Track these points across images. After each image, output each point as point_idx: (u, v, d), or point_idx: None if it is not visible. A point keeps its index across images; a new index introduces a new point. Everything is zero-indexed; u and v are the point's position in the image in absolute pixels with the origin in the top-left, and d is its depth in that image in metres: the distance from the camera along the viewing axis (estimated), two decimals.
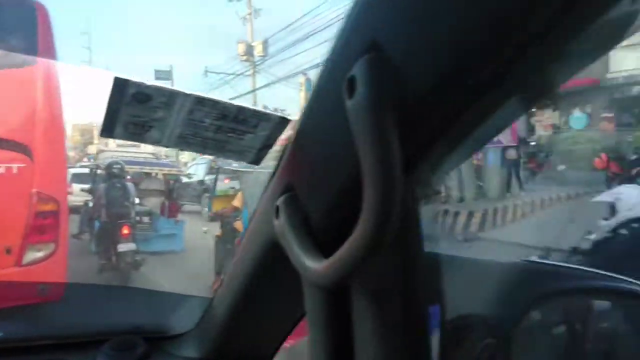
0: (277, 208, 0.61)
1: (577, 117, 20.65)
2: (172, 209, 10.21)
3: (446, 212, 10.80)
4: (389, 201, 0.42)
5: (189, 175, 13.78)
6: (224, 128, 0.63)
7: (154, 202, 9.91)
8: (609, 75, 21.40)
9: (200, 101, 0.62)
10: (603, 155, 12.00)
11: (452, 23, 0.39)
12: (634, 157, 11.45)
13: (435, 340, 0.70)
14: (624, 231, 4.36)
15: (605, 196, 5.40)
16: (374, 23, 0.43)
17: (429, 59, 0.42)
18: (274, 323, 0.91)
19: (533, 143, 15.18)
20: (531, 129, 22.59)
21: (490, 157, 11.54)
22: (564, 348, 1.01)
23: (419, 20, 0.41)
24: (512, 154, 11.99)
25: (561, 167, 13.44)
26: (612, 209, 4.66)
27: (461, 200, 12.03)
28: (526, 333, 0.88)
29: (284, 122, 0.64)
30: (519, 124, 14.45)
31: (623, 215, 4.44)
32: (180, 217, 10.51)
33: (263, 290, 0.82)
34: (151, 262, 7.75)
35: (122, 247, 7.05)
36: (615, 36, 0.45)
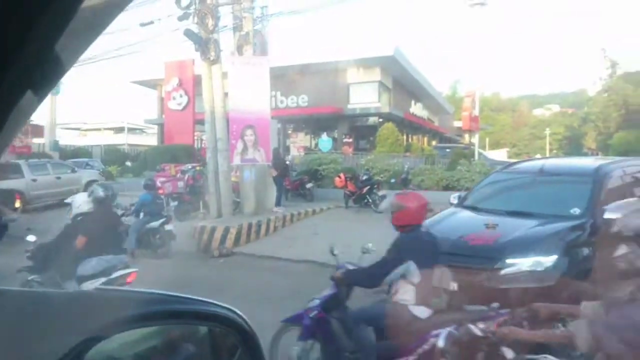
0: None
1: (324, 141, 23.26)
2: None
3: (203, 228, 10.78)
4: None
5: None
6: None
7: None
8: (349, 106, 24.72)
9: None
10: (342, 175, 13.71)
11: None
12: (364, 177, 13.36)
13: None
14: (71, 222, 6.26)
15: (70, 199, 7.78)
16: None
17: None
18: None
19: (288, 162, 16.35)
20: (287, 150, 24.47)
21: (246, 174, 12.00)
22: None
23: None
24: (273, 171, 12.71)
25: (309, 185, 14.80)
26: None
27: (219, 215, 12.19)
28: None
29: None
30: (276, 144, 15.46)
31: (74, 212, 6.34)
32: None
33: None
34: None
35: None
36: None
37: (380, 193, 12.62)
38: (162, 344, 0.97)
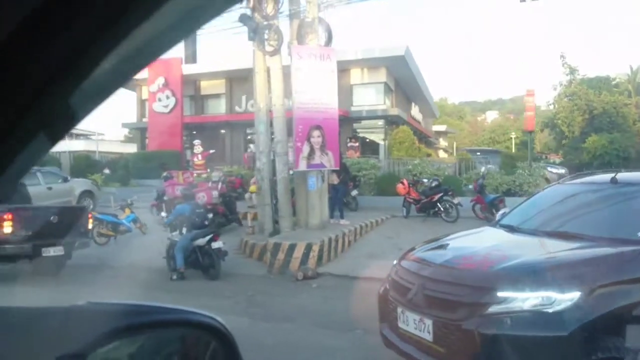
0: None
1: None
2: None
3: (278, 245, 9.15)
4: None
5: None
6: None
7: None
8: (353, 108, 23.50)
9: None
10: (405, 181, 12.41)
11: None
12: (433, 183, 12.10)
13: None
14: None
15: None
16: None
17: None
18: None
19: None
20: None
21: (311, 181, 10.44)
22: None
23: None
24: (334, 178, 11.22)
25: (355, 193, 13.45)
26: None
27: (275, 231, 10.57)
28: None
29: None
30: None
31: None
32: None
33: None
34: None
35: None
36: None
37: (456, 200, 11.43)
38: (147, 354, 1.00)
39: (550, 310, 3.01)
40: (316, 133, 10.24)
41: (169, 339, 1.03)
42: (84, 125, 48.00)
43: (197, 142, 21.27)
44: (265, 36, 10.30)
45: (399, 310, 3.68)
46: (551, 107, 56.74)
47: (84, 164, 26.73)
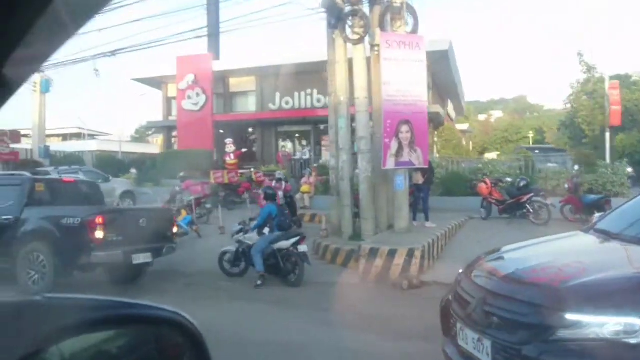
0: None
1: None
2: None
3: (375, 251, 8.33)
4: None
5: None
6: None
7: None
8: None
9: None
10: (487, 181, 11.58)
11: None
12: (522, 183, 11.27)
13: None
14: None
15: None
16: None
17: None
18: None
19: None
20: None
21: (399, 181, 9.62)
22: None
23: None
24: (419, 177, 10.40)
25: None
26: None
27: (357, 235, 9.79)
28: None
29: None
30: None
31: None
32: None
33: None
34: None
35: None
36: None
37: (549, 201, 10.62)
38: (110, 349, 0.97)
39: (633, 341, 2.47)
40: (405, 128, 9.43)
41: (132, 334, 0.98)
42: (92, 126, 46.98)
43: (228, 140, 20.42)
44: (349, 23, 9.48)
45: (459, 326, 3.27)
46: (568, 105, 55.96)
47: (107, 164, 25.89)
